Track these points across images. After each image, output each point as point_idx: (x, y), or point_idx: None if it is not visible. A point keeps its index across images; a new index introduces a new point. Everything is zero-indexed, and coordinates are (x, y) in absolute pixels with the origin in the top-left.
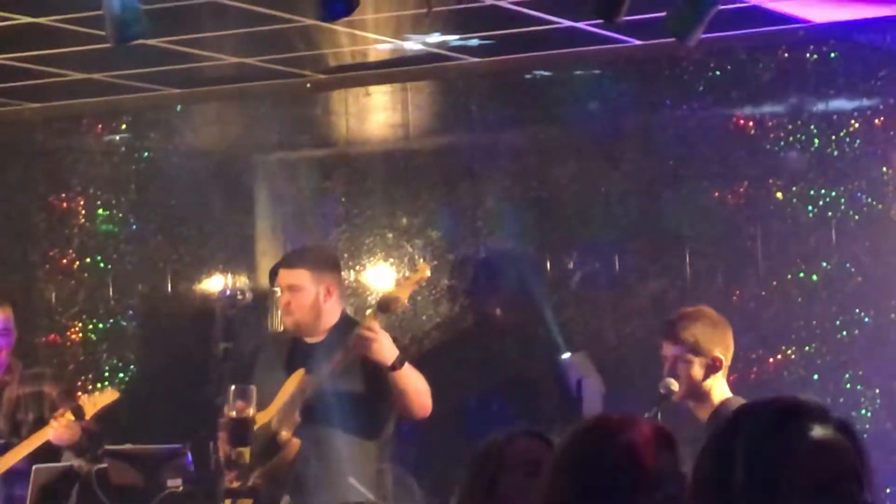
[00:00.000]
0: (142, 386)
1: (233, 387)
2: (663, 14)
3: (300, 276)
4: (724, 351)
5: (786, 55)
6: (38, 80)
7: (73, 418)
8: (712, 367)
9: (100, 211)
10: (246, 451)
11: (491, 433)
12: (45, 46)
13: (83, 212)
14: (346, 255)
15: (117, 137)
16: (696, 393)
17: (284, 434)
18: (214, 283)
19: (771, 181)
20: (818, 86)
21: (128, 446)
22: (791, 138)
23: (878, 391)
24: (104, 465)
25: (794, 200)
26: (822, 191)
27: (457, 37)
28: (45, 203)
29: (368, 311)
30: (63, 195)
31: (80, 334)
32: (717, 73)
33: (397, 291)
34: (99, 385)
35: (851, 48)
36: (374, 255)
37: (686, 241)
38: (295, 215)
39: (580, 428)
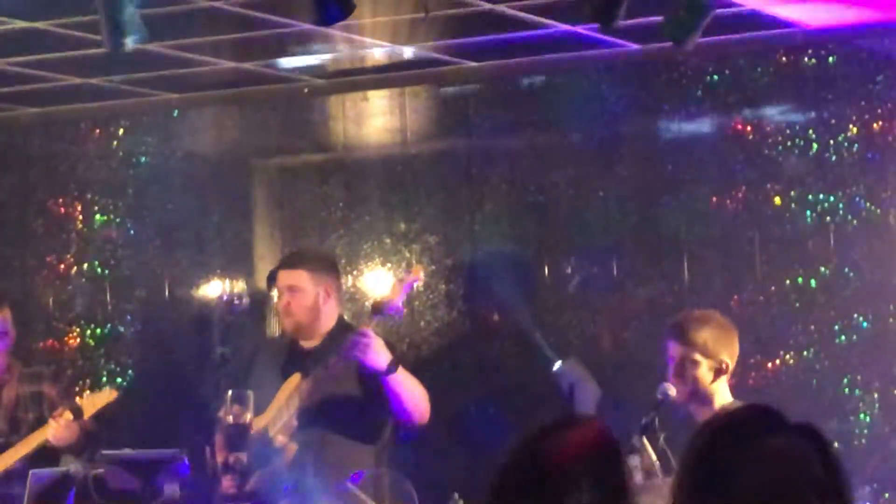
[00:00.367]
0: (139, 391)
1: (230, 392)
2: (661, 18)
3: (300, 277)
4: (731, 355)
5: (784, 60)
6: (36, 84)
7: (71, 418)
8: (719, 371)
9: (97, 216)
10: (243, 457)
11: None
12: (43, 51)
13: (80, 216)
14: (343, 261)
15: (115, 142)
16: (700, 396)
17: (280, 439)
18: (212, 289)
19: (769, 186)
20: (816, 90)
21: (125, 451)
22: (789, 143)
23: (876, 396)
24: (101, 470)
25: (793, 205)
26: (821, 196)
27: (454, 41)
28: (43, 208)
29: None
30: (61, 200)
31: (78, 339)
32: (716, 77)
33: (390, 294)
34: (97, 390)
35: (850, 53)
36: (372, 261)
37: (684, 245)
38: (293, 220)
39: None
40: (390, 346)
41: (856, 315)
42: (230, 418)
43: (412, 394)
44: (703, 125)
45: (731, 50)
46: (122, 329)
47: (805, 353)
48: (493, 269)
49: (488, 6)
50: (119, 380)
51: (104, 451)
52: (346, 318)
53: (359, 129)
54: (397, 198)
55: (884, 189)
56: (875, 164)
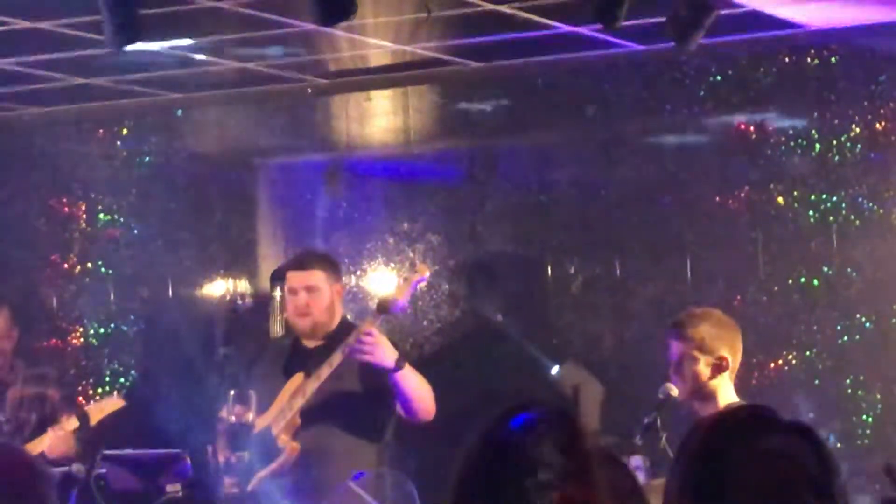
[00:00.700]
0: (142, 390)
1: (232, 392)
2: (664, 19)
3: (317, 277)
4: (731, 352)
5: (787, 60)
6: (40, 84)
7: (70, 429)
8: (718, 367)
9: (101, 215)
10: (245, 456)
11: None
12: (47, 51)
13: (84, 216)
14: (346, 260)
15: (118, 142)
16: (701, 393)
17: (283, 438)
18: (215, 288)
19: (772, 186)
20: (819, 91)
21: (127, 451)
22: (792, 143)
23: (879, 396)
24: (103, 470)
25: (796, 205)
26: (824, 196)
27: (457, 41)
28: (46, 207)
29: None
30: (64, 199)
31: (82, 339)
32: (718, 77)
33: (395, 294)
34: (100, 390)
35: (852, 53)
36: (375, 260)
37: (687, 245)
38: (296, 220)
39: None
40: (394, 343)
41: (858, 315)
42: (232, 418)
43: (419, 390)
44: (706, 125)
45: (733, 50)
46: (125, 328)
47: (808, 352)
48: (496, 269)
49: (491, 6)
50: (122, 379)
51: (107, 451)
52: (348, 317)
53: (362, 128)
54: (400, 197)
55: (886, 189)
56: (878, 164)
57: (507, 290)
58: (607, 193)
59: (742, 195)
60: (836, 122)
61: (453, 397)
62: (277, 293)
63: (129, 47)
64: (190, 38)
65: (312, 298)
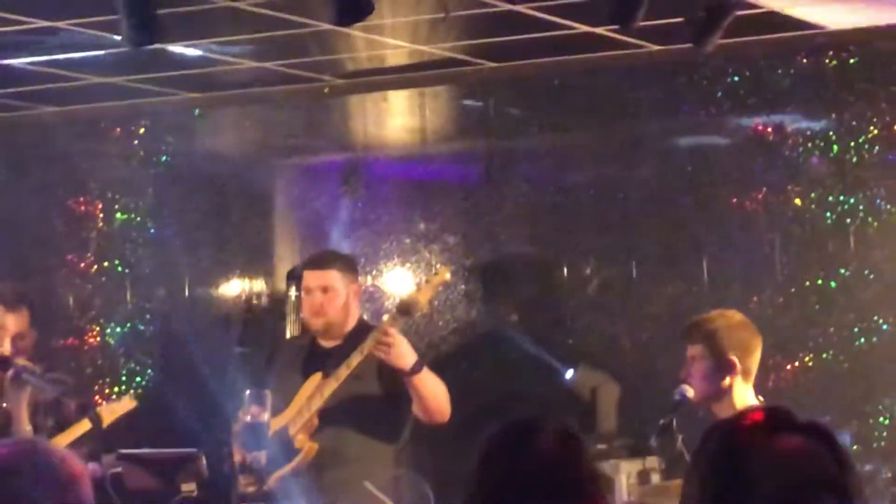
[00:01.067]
0: (158, 389)
1: (248, 391)
2: (681, 20)
3: (332, 278)
4: (742, 354)
5: (804, 61)
6: (57, 83)
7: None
8: (728, 369)
9: (118, 215)
10: (261, 456)
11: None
12: (64, 50)
13: (101, 215)
14: (363, 260)
15: (136, 141)
16: (712, 395)
17: (301, 438)
18: (232, 288)
19: (789, 187)
20: (837, 92)
21: (143, 450)
22: (810, 144)
23: None
24: (119, 469)
25: (813, 207)
26: (841, 197)
27: (474, 42)
28: (64, 206)
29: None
30: (81, 199)
31: (98, 338)
32: (736, 78)
33: (417, 295)
34: (116, 389)
35: (870, 54)
36: (391, 260)
37: (704, 247)
38: (312, 220)
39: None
40: (413, 346)
41: (875, 317)
42: (248, 418)
43: (435, 393)
44: (724, 126)
45: (751, 51)
46: (142, 328)
47: (825, 354)
48: (513, 270)
49: (508, 6)
50: (139, 378)
51: (122, 450)
52: (364, 317)
53: (379, 129)
54: (417, 198)
55: None
56: None
57: (523, 292)
58: (624, 195)
59: (759, 196)
60: (854, 123)
61: (469, 398)
62: (293, 293)
63: (147, 47)
64: (207, 37)
65: (328, 298)
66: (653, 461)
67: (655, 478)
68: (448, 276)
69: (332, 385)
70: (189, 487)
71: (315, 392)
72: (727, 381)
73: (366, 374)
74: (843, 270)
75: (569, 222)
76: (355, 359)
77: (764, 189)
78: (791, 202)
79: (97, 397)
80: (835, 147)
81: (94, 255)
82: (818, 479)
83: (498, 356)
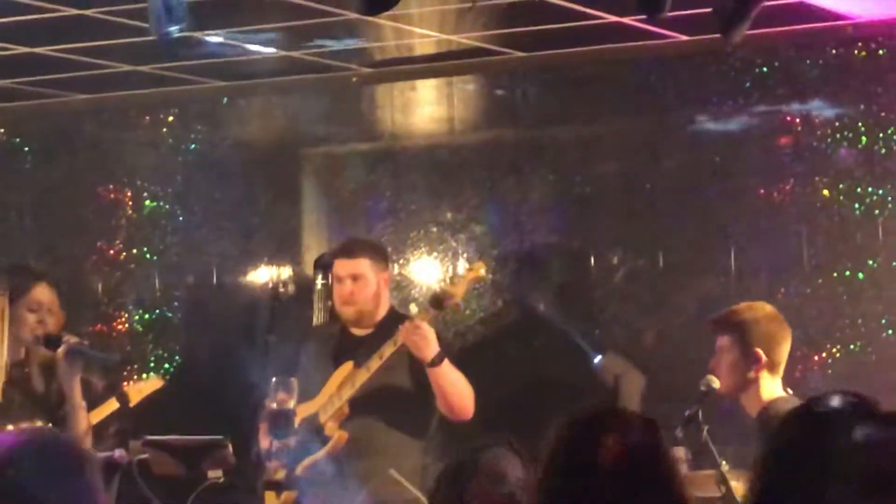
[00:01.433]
0: (186, 377)
1: (274, 379)
2: (710, 10)
3: (363, 266)
4: (769, 347)
5: (833, 52)
6: (86, 71)
7: (117, 405)
8: (752, 361)
9: (146, 202)
10: (287, 443)
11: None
12: (92, 38)
13: (130, 203)
14: (390, 249)
15: (164, 129)
16: (738, 386)
17: (331, 426)
18: (259, 276)
19: (817, 179)
20: (866, 83)
21: (170, 437)
22: (838, 136)
23: None
24: (145, 456)
25: (841, 198)
26: (869, 188)
27: (502, 31)
28: (93, 194)
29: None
30: (110, 186)
31: (126, 325)
32: (765, 69)
33: (451, 288)
34: (144, 375)
35: None
36: (418, 250)
37: (731, 238)
38: (340, 209)
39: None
40: (441, 339)
41: None
42: (274, 405)
43: (455, 389)
44: (752, 117)
45: (780, 42)
46: (170, 315)
47: (852, 346)
48: (539, 260)
49: None
50: (167, 365)
51: (149, 437)
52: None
53: (406, 118)
54: (444, 187)
55: None
56: None
57: (549, 282)
58: (652, 185)
59: (787, 187)
60: (883, 114)
61: (496, 388)
62: (320, 281)
63: (175, 35)
64: (236, 26)
65: (358, 287)
66: (679, 451)
67: (682, 468)
68: (483, 271)
69: (364, 375)
70: (216, 474)
71: (346, 381)
72: (753, 373)
73: (396, 365)
74: (871, 262)
75: (596, 212)
76: (388, 349)
77: (792, 180)
78: (819, 193)
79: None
80: (863, 138)
81: (123, 242)
82: None
83: (524, 346)
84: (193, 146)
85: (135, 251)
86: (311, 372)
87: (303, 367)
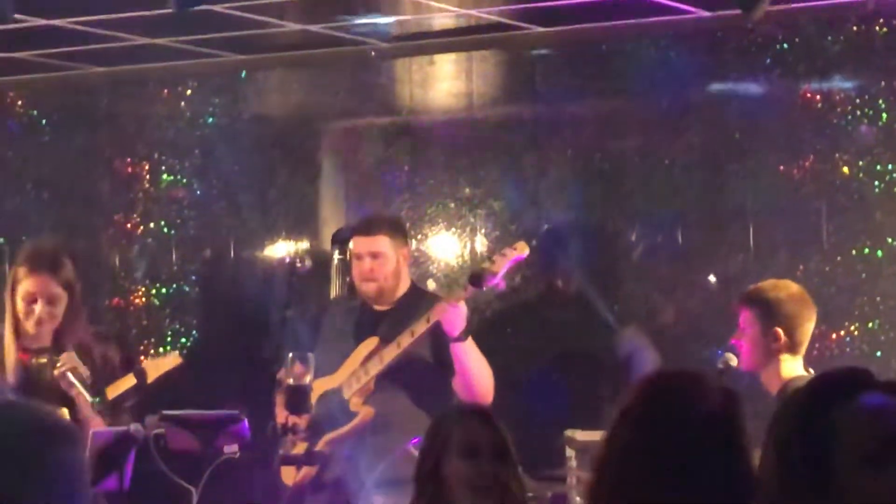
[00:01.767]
0: (202, 351)
1: (291, 353)
2: None
3: (382, 243)
4: (789, 327)
5: (855, 28)
6: (104, 44)
7: (135, 381)
8: (771, 339)
9: (164, 176)
10: (304, 418)
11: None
12: (111, 10)
13: (148, 177)
14: (407, 224)
15: (182, 103)
16: (758, 363)
17: (356, 401)
18: (277, 250)
19: (837, 155)
20: (887, 60)
21: (186, 411)
22: (858, 113)
23: None
24: (161, 430)
25: (861, 175)
26: (890, 166)
27: (521, 6)
28: (110, 167)
29: (430, 281)
30: (128, 160)
31: (144, 299)
32: (785, 45)
33: (490, 266)
34: (161, 349)
35: None
36: (436, 225)
37: (750, 215)
38: (358, 183)
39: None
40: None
41: None
42: (291, 380)
43: (479, 368)
44: (772, 93)
45: (801, 18)
46: (187, 289)
47: (870, 324)
48: (557, 236)
49: None
50: (183, 339)
51: (165, 412)
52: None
53: (425, 93)
54: (462, 162)
55: None
56: None
57: (567, 257)
58: (671, 161)
59: (807, 164)
60: None
61: (514, 364)
62: (337, 256)
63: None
64: None
65: (378, 264)
66: None
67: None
68: (526, 251)
69: (394, 351)
70: (231, 449)
71: (371, 357)
72: (771, 351)
73: (421, 344)
74: (890, 239)
75: (614, 189)
76: (420, 327)
77: (812, 157)
78: (839, 170)
79: (142, 357)
80: (884, 115)
81: (141, 216)
82: None
83: (542, 322)
84: (212, 120)
85: (152, 225)
86: (331, 346)
87: (322, 341)
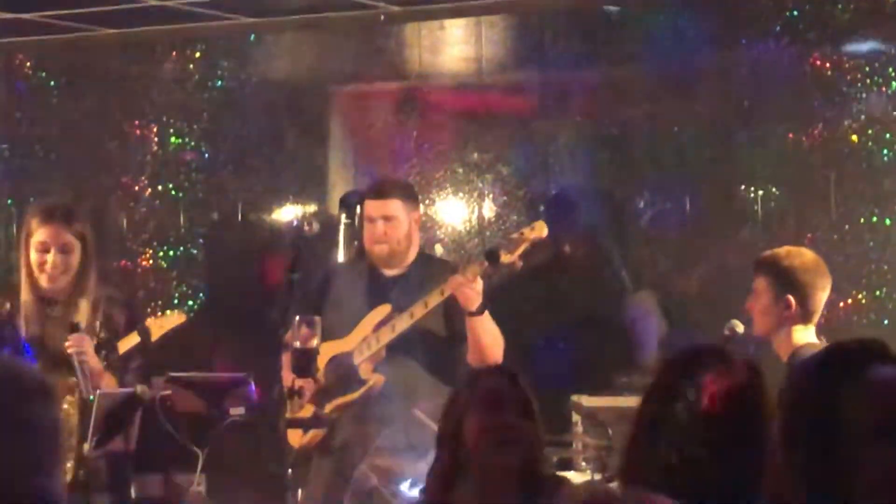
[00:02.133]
0: (209, 314)
1: (297, 317)
2: None
3: (395, 207)
4: (802, 295)
5: None
6: (114, 6)
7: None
8: (782, 307)
9: (172, 139)
10: (309, 382)
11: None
12: None
13: (156, 139)
14: (416, 188)
15: (191, 65)
16: (769, 330)
17: (365, 367)
18: (284, 214)
19: (846, 124)
20: None
21: (193, 374)
22: (868, 80)
23: None
24: (168, 392)
25: (870, 143)
26: None
27: None
28: (119, 130)
29: (437, 246)
30: (136, 122)
31: (151, 261)
32: (795, 13)
33: (510, 245)
34: (168, 312)
35: None
36: (444, 190)
37: (759, 182)
38: (366, 148)
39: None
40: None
41: None
42: (297, 343)
43: (493, 338)
44: (782, 61)
45: None
46: (194, 251)
47: (878, 292)
48: (566, 202)
49: None
50: (190, 302)
51: (172, 374)
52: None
53: (434, 57)
54: (471, 127)
55: None
56: None
57: (576, 224)
58: (679, 128)
59: (816, 132)
60: None
61: (520, 329)
62: (344, 219)
63: None
64: None
65: (390, 227)
66: None
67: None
68: (545, 232)
69: (407, 321)
70: (238, 411)
71: (385, 324)
72: (783, 318)
73: (433, 314)
74: None
75: (623, 156)
76: (434, 298)
77: (821, 125)
78: (847, 138)
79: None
80: (893, 83)
81: (148, 178)
82: None
83: (549, 288)
84: (220, 83)
85: (160, 188)
86: (340, 309)
87: (329, 303)
